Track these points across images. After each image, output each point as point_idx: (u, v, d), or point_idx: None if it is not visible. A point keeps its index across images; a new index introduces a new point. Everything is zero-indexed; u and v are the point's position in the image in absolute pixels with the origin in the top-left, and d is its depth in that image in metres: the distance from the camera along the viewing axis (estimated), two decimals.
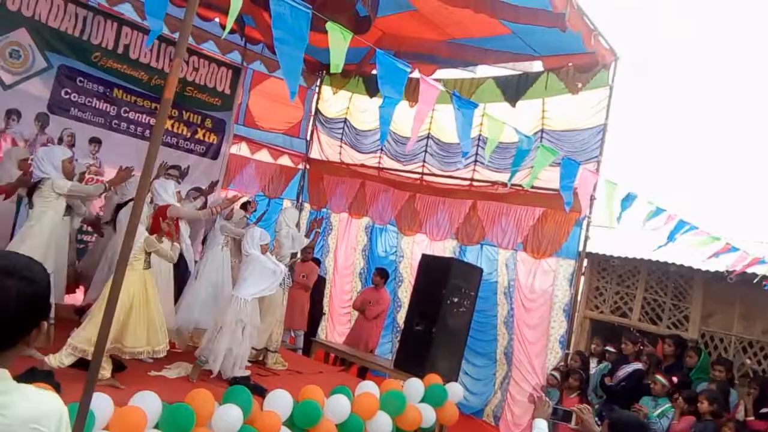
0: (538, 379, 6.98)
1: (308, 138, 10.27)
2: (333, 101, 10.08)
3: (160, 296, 4.87)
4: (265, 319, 5.84)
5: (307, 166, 10.27)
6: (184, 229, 5.82)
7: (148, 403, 3.80)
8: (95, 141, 7.42)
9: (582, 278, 7.20)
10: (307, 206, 10.17)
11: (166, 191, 5.58)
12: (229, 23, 2.92)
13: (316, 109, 10.24)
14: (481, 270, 7.35)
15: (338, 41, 3.32)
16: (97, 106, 7.44)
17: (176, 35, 7.30)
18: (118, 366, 4.55)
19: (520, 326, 7.31)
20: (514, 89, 7.86)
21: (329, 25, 3.28)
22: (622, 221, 6.31)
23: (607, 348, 6.70)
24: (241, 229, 6.19)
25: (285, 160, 10.06)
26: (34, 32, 6.78)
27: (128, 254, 3.28)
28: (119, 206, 5.55)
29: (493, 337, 7.62)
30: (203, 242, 6.66)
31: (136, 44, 7.70)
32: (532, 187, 6.40)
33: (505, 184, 7.33)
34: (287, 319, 6.72)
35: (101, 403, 3.49)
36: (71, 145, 6.98)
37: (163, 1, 2.89)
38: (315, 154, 10.23)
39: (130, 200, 5.05)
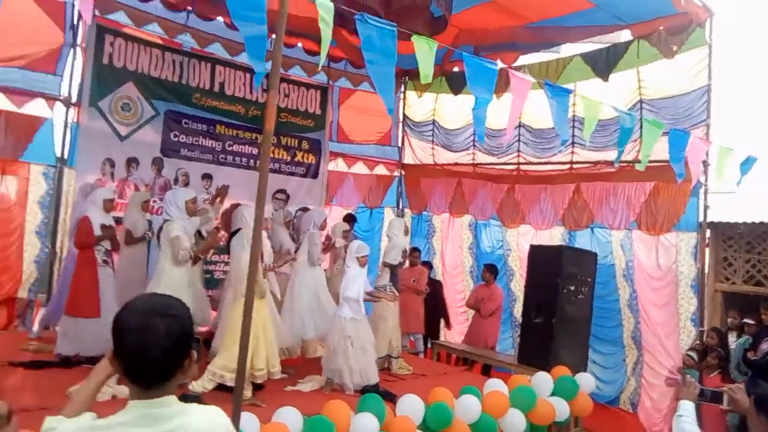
0: (673, 360, 6.59)
1: (400, 144, 10.38)
2: (418, 105, 10.14)
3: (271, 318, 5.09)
4: (378, 328, 5.99)
5: (403, 172, 10.39)
6: (267, 255, 5.92)
7: (290, 418, 4.03)
8: (207, 177, 7.93)
9: (707, 250, 6.77)
10: (408, 212, 10.29)
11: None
12: (323, 53, 3.05)
13: (404, 114, 10.35)
14: (594, 254, 7.12)
15: (425, 52, 3.38)
16: (203, 144, 7.95)
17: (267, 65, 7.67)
18: (256, 385, 4.83)
19: (647, 307, 6.93)
20: (604, 63, 7.53)
21: (415, 38, 3.34)
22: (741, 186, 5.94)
23: (746, 320, 6.28)
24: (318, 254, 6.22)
25: (381, 170, 10.24)
26: (139, 84, 7.34)
27: (254, 284, 3.50)
28: (231, 235, 5.87)
29: (618, 322, 7.28)
30: None
31: (230, 80, 8.17)
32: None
33: (611, 163, 7.02)
34: (403, 323, 6.83)
35: (248, 422, 3.74)
36: (186, 184, 7.50)
37: (263, 43, 3.07)
38: (408, 159, 10.33)
39: (239, 229, 5.31)
